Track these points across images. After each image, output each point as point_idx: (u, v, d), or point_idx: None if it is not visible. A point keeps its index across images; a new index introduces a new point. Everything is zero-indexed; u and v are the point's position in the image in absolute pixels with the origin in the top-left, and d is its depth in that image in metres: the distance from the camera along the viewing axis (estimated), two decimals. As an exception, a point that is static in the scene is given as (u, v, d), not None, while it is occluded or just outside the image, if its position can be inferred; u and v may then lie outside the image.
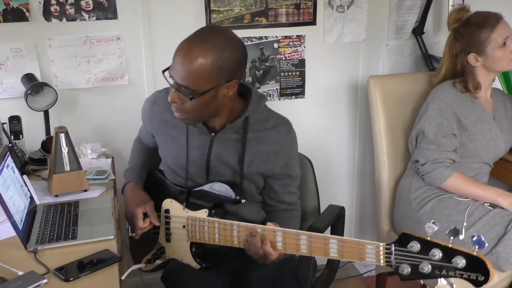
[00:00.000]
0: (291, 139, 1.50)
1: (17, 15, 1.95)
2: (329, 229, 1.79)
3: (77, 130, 2.03)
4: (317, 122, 2.50)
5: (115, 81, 2.15)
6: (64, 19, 2.02)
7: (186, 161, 1.48)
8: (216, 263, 1.48)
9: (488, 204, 1.85)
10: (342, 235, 1.83)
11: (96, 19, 2.06)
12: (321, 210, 1.83)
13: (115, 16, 2.08)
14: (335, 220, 1.78)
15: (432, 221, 1.01)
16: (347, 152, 2.61)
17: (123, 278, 1.28)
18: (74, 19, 2.03)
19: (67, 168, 1.62)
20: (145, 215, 1.46)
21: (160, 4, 2.12)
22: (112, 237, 1.37)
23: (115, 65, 2.13)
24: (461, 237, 1.80)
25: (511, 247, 1.71)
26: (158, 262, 1.54)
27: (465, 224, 1.80)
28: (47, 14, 1.99)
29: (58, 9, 2.00)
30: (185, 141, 1.47)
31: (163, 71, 1.36)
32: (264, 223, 1.55)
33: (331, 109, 2.51)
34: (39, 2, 1.97)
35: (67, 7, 2.01)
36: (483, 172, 1.96)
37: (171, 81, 1.35)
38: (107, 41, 2.10)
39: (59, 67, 2.06)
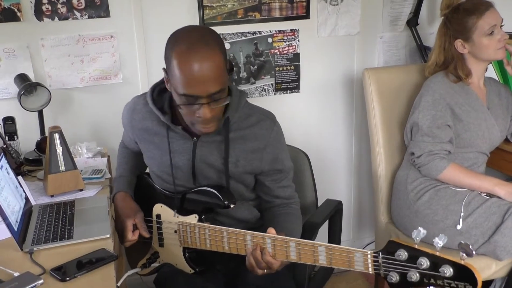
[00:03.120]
0: (276, 132, 1.45)
1: (9, 15, 1.94)
2: (326, 223, 1.80)
3: (72, 130, 2.03)
4: (313, 116, 2.50)
5: (109, 79, 2.14)
6: (56, 18, 2.01)
7: (171, 167, 1.46)
8: (211, 266, 1.47)
9: (485, 194, 1.85)
10: (340, 229, 1.84)
11: (89, 18, 2.05)
12: (319, 205, 1.84)
13: (107, 14, 2.07)
14: (332, 215, 1.79)
15: (419, 227, 1.00)
16: (343, 146, 2.61)
17: (119, 284, 1.27)
18: (66, 18, 2.02)
19: (62, 168, 1.62)
20: (135, 227, 1.46)
21: (152, 1, 2.11)
22: (108, 235, 1.36)
23: (109, 63, 2.12)
24: (459, 227, 1.80)
25: (508, 235, 1.72)
26: (153, 266, 1.53)
27: (462, 214, 1.80)
28: (38, 14, 1.98)
29: (50, 8, 1.99)
30: (167, 147, 1.45)
31: (179, 106, 1.28)
32: (258, 221, 1.56)
33: (326, 103, 2.50)
34: (30, 2, 1.96)
35: (59, 6, 2.00)
36: (480, 162, 1.96)
37: (195, 101, 1.26)
38: (100, 39, 2.09)
39: (53, 66, 2.05)
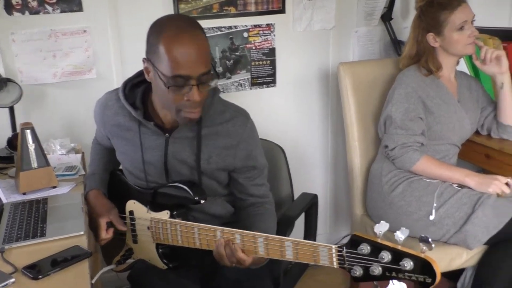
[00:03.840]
0: (249, 129, 1.45)
1: (-23, 9, 1.90)
2: (302, 216, 1.82)
3: (45, 126, 1.99)
4: (289, 110, 2.51)
5: (83, 75, 2.11)
6: (27, 12, 1.97)
7: (143, 164, 1.45)
8: (185, 261, 1.47)
9: (457, 185, 1.89)
10: (316, 222, 1.86)
11: (61, 12, 2.01)
12: (295, 199, 1.85)
13: (80, 9, 2.04)
14: (308, 208, 1.80)
15: (381, 221, 1.01)
16: (319, 139, 2.63)
17: (93, 282, 1.26)
18: (37, 12, 1.98)
19: (35, 165, 1.59)
20: (110, 225, 1.45)
21: (126, -5, 2.09)
22: (82, 232, 1.35)
23: (82, 58, 2.09)
24: (431, 217, 1.84)
25: (479, 225, 1.76)
26: (128, 262, 1.53)
27: (435, 204, 1.84)
28: (8, 8, 1.94)
29: (20, 2, 1.95)
30: (139, 143, 1.44)
31: (168, 86, 1.26)
32: (232, 216, 1.56)
33: (302, 97, 2.51)
34: (0, -4, 1.92)
35: (30, 0, 1.96)
36: (451, 154, 2.00)
37: (185, 82, 1.27)
38: (73, 34, 2.06)
39: (24, 62, 2.01)
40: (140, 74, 1.47)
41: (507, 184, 1.82)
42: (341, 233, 2.78)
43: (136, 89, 1.45)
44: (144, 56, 1.35)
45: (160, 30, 1.28)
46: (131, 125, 1.46)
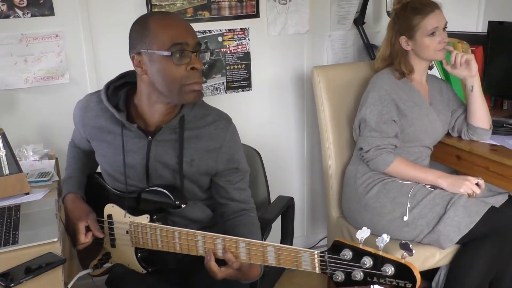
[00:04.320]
0: (231, 133, 1.46)
1: None
2: (279, 219, 1.82)
3: (17, 132, 1.96)
4: (265, 114, 2.52)
5: (56, 79, 2.08)
6: (-3, 17, 1.94)
7: (123, 166, 1.44)
8: (164, 265, 1.46)
9: (429, 186, 1.93)
10: (293, 225, 1.87)
11: (32, 16, 1.98)
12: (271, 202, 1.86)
13: (51, 13, 2.01)
14: (284, 211, 1.81)
15: (363, 227, 1.03)
16: (295, 143, 2.65)
17: (69, 286, 1.25)
18: (7, 17, 1.95)
19: (6, 171, 1.56)
20: (88, 229, 1.43)
21: (99, -1, 2.07)
22: (56, 239, 1.33)
23: (55, 63, 2.06)
24: (405, 218, 1.87)
25: (451, 225, 1.80)
26: (105, 266, 1.51)
27: (408, 205, 1.87)
28: (-23, 12, 1.91)
29: (-10, 6, 1.92)
30: (121, 145, 1.43)
31: (171, 53, 1.30)
32: (211, 220, 1.55)
33: (278, 101, 2.53)
34: (-32, -1, 1.88)
35: (-1, 4, 1.92)
36: (424, 156, 2.05)
37: (183, 48, 1.31)
38: (45, 38, 2.03)
39: (-6, 67, 1.98)
40: (122, 76, 1.47)
41: (477, 184, 1.86)
42: (318, 235, 2.81)
43: (119, 91, 1.45)
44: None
45: (145, 19, 1.35)
46: (112, 127, 1.45)
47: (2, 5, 1.93)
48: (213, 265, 1.25)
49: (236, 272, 1.26)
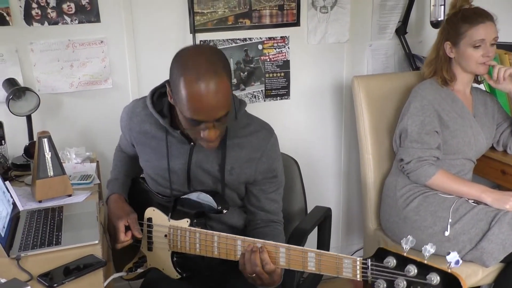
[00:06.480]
0: (272, 144, 1.47)
1: (-2, 19, 1.93)
2: (315, 230, 1.80)
3: (61, 135, 2.01)
4: (303, 123, 2.51)
5: (99, 84, 2.13)
6: (46, 23, 2.00)
7: (168, 171, 1.46)
8: (198, 271, 1.46)
9: (473, 201, 1.87)
10: (329, 236, 1.84)
11: (79, 23, 2.04)
12: (308, 211, 1.84)
13: (97, 20, 2.07)
14: (321, 221, 1.79)
15: (408, 236, 1.00)
16: (333, 152, 2.62)
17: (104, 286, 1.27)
18: (56, 23, 2.01)
19: (51, 173, 1.60)
20: (128, 228, 1.45)
21: (143, 7, 2.11)
22: (97, 241, 1.35)
23: (99, 68, 2.11)
24: (447, 233, 1.82)
25: (495, 242, 1.74)
26: (139, 270, 1.53)
27: (450, 220, 1.82)
28: (28, 18, 1.97)
29: (40, 12, 1.98)
30: (165, 151, 1.45)
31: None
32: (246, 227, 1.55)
33: (316, 110, 2.51)
34: (20, 6, 1.95)
35: (49, 10, 1.99)
36: (467, 169, 1.98)
37: (199, 123, 1.28)
38: (90, 44, 2.08)
39: (42, 71, 2.04)
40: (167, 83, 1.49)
41: (524, 201, 1.79)
42: (352, 246, 2.76)
43: (164, 97, 1.46)
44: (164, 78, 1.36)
45: (182, 69, 1.26)
46: (157, 132, 1.47)
47: (51, 12, 1.99)
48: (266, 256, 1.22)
49: (265, 275, 1.24)
